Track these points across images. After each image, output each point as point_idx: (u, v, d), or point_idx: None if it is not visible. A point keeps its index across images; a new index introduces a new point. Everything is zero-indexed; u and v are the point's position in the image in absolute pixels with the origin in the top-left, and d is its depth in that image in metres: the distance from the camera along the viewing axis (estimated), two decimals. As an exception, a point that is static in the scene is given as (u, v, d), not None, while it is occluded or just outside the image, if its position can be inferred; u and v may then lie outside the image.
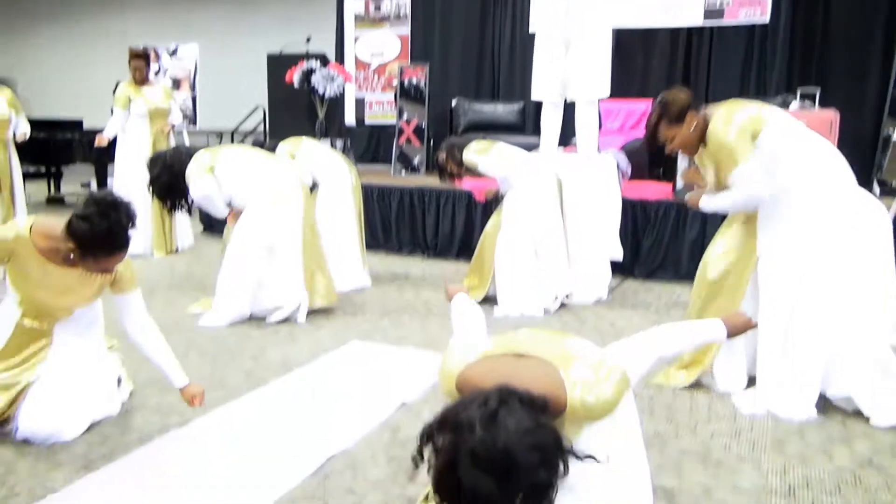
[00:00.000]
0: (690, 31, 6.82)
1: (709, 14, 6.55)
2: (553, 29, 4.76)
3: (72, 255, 2.17)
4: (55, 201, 9.01)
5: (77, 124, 9.19)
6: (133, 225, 2.19)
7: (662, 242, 5.00)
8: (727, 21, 6.51)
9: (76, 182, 9.59)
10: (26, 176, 8.86)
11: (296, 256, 3.78)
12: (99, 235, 2.11)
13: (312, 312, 3.91)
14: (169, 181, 3.77)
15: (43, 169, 8.91)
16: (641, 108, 6.68)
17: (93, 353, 2.52)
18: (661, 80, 7.01)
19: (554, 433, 1.47)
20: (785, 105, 5.43)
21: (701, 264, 2.99)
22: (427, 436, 1.49)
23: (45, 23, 11.59)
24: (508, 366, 1.62)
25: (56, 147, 8.33)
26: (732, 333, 2.03)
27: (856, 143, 5.57)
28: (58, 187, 9.21)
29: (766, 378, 2.67)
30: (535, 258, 4.06)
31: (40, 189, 9.31)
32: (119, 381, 2.68)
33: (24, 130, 4.90)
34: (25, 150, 7.96)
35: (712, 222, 4.84)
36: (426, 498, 1.84)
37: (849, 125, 5.36)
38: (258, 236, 3.70)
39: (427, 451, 1.49)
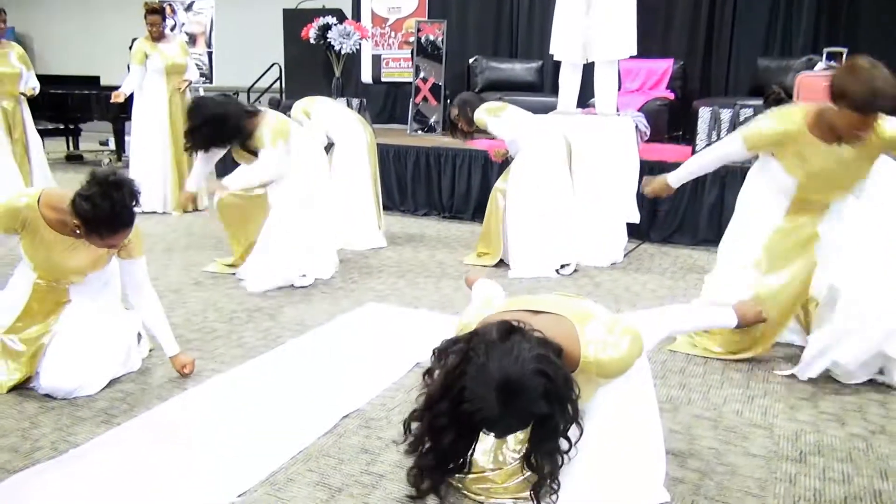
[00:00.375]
0: (716, -14, 6.63)
1: (736, -32, 6.34)
2: None
3: (78, 231, 2.20)
4: (74, 158, 9.07)
5: (94, 81, 9.18)
6: (137, 203, 2.22)
7: (680, 206, 4.95)
8: (754, -24, 6.31)
9: (94, 139, 9.63)
10: (44, 133, 8.93)
11: (324, 224, 3.82)
12: (102, 215, 2.14)
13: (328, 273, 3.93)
14: (211, 133, 3.51)
15: (61, 126, 8.95)
16: (662, 67, 6.55)
17: (109, 311, 2.56)
18: (682, 39, 6.88)
19: (564, 372, 1.49)
20: (810, 66, 5.30)
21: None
22: (441, 351, 1.51)
23: None
24: (525, 318, 1.62)
25: (73, 104, 8.34)
26: (743, 324, 2.05)
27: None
28: (76, 144, 9.26)
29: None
30: (543, 220, 4.03)
31: (59, 146, 9.36)
32: (139, 337, 2.73)
33: (33, 85, 4.92)
34: (43, 107, 8.02)
35: (731, 186, 4.78)
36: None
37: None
38: (296, 204, 3.65)
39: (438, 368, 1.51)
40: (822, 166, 2.50)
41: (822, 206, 2.62)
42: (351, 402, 2.38)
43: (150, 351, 2.76)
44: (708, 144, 5.02)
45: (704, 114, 5.06)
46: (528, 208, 4.06)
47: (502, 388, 1.41)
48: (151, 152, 5.51)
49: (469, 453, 1.66)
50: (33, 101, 5.21)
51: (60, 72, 10.51)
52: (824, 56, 5.17)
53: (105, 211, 2.13)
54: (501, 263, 4.18)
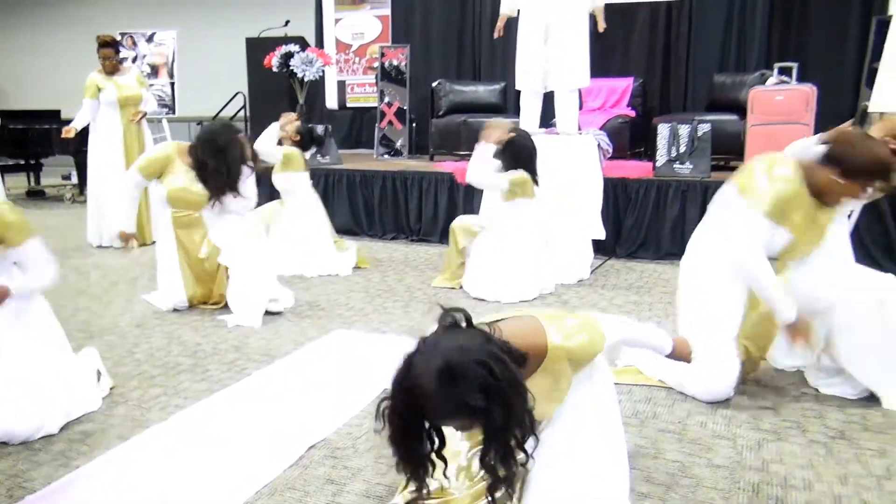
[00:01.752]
0: (670, 6, 6.80)
1: (688, -12, 6.51)
2: (534, 16, 4.74)
3: None
4: (35, 193, 8.93)
5: (55, 115, 9.07)
6: None
7: (644, 221, 5.03)
8: (707, -5, 6.48)
9: (56, 174, 9.50)
10: (5, 168, 8.80)
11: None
12: None
13: (296, 302, 3.91)
14: (216, 167, 3.60)
15: (22, 161, 8.81)
16: (622, 85, 6.68)
17: (59, 347, 2.50)
18: (641, 57, 7.04)
19: (514, 375, 1.50)
20: (763, 80, 5.45)
21: None
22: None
23: (20, 11, 11.39)
24: (494, 326, 1.64)
25: (34, 139, 8.23)
26: (673, 356, 2.12)
27: (835, 116, 5.57)
28: (38, 179, 9.12)
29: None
30: (509, 250, 4.01)
31: (21, 181, 9.22)
32: (99, 375, 2.68)
33: None
34: (3, 143, 7.91)
35: (692, 199, 4.88)
36: (406, 485, 1.87)
37: (828, 99, 5.39)
38: (262, 236, 3.87)
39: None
40: (804, 219, 2.46)
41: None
42: (317, 432, 2.36)
43: (111, 389, 2.71)
44: (668, 160, 5.12)
45: (663, 130, 5.15)
46: (492, 238, 4.06)
47: (442, 369, 1.44)
48: (109, 185, 5.45)
49: (427, 445, 1.62)
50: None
51: (23, 106, 10.39)
52: (776, 71, 5.32)
53: None
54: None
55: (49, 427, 2.35)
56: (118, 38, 6.00)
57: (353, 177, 5.95)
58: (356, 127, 8.50)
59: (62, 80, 10.32)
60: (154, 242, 5.56)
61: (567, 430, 1.76)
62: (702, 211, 4.87)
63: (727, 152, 5.36)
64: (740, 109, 5.47)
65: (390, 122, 7.22)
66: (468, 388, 1.43)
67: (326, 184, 6.01)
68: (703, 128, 5.06)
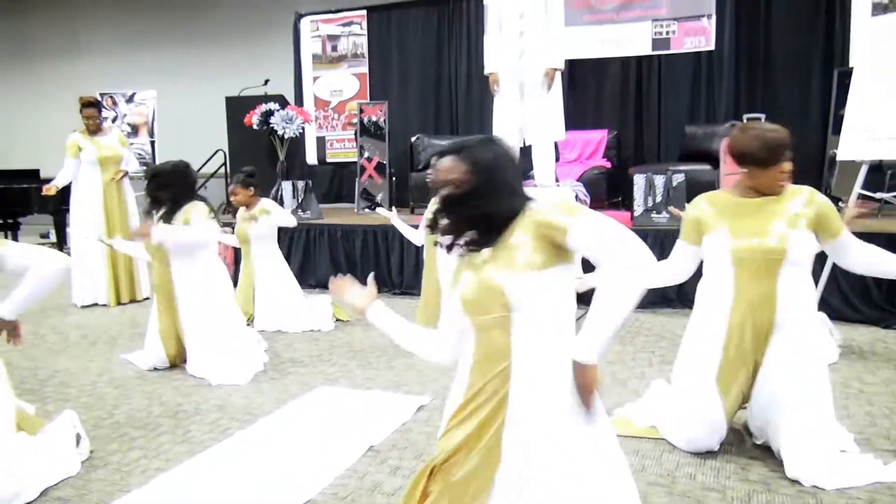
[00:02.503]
0: (640, 60, 7.03)
1: (656, 44, 6.74)
2: (509, 74, 4.89)
3: None
4: (12, 253, 8.82)
5: (34, 174, 9.04)
6: None
7: (623, 270, 5.07)
8: (674, 50, 6.71)
9: (35, 233, 9.41)
10: (-18, 228, 8.70)
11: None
12: None
13: (277, 359, 3.89)
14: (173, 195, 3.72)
15: (0, 220, 8.73)
16: (597, 137, 6.84)
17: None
18: (614, 109, 7.23)
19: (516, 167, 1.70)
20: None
21: None
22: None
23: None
24: None
25: (12, 197, 8.19)
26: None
27: (804, 164, 5.74)
28: (16, 237, 9.03)
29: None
30: None
31: (-4, 241, 9.10)
32: (78, 438, 2.62)
33: None
34: (-20, 202, 7.84)
35: (670, 248, 4.93)
36: None
37: (797, 148, 5.53)
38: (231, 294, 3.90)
39: None
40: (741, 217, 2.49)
41: (759, 299, 2.47)
42: (302, 493, 2.32)
43: (91, 452, 2.65)
44: (645, 209, 5.22)
45: (639, 180, 5.26)
46: None
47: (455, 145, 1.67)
48: (90, 244, 5.42)
49: None
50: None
51: (1, 166, 10.35)
52: (744, 121, 5.48)
53: None
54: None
55: (26, 494, 2.28)
56: (98, 98, 6.05)
57: (335, 231, 5.97)
58: (336, 182, 8.57)
59: (41, 139, 10.35)
60: (143, 299, 5.55)
61: (575, 477, 1.67)
62: (680, 259, 4.97)
63: (702, 201, 5.47)
64: (713, 159, 5.62)
65: (370, 177, 7.29)
66: (480, 145, 1.64)
67: (307, 238, 6.03)
68: (678, 178, 5.18)
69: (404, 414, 3.01)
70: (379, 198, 7.23)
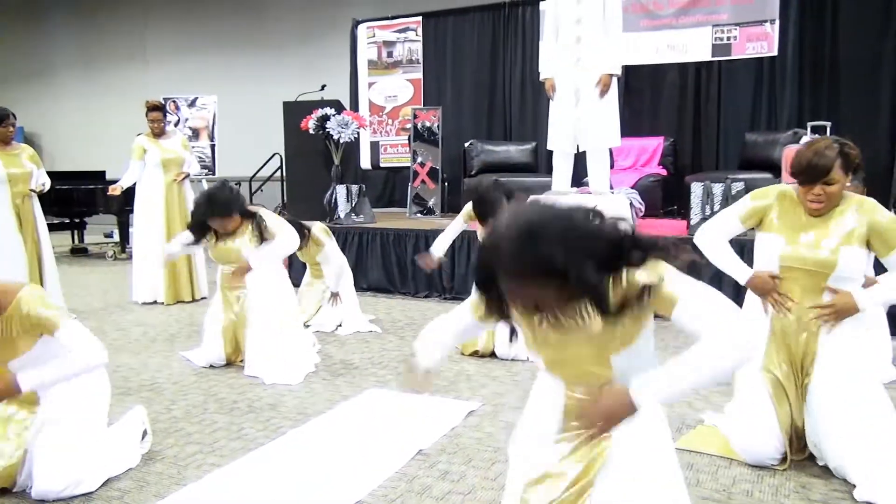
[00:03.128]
0: (699, 67, 6.89)
1: (716, 49, 6.60)
2: (565, 80, 4.86)
3: None
4: (79, 251, 9.19)
5: (99, 175, 9.42)
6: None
7: (679, 279, 4.97)
8: (735, 55, 6.56)
9: (99, 232, 9.79)
10: (51, 227, 9.07)
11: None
12: None
13: (330, 360, 3.94)
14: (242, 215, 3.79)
15: (67, 220, 9.11)
16: (653, 144, 6.73)
17: (96, 405, 2.51)
18: (671, 117, 7.11)
19: (592, 227, 1.40)
20: (796, 139, 5.45)
21: None
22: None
23: (67, 77, 11.96)
24: None
25: (78, 198, 8.53)
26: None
27: (870, 173, 5.54)
28: (81, 237, 9.40)
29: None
30: None
31: (65, 239, 9.50)
32: (144, 433, 2.68)
33: (43, 181, 5.04)
34: (50, 202, 8.18)
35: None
36: None
37: (862, 156, 5.34)
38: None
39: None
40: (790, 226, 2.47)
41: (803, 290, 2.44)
42: (352, 494, 2.34)
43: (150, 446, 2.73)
44: (703, 219, 5.10)
45: (696, 189, 5.15)
46: None
47: (522, 232, 1.35)
48: (150, 243, 5.60)
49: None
50: (41, 197, 5.34)
51: (68, 167, 10.80)
52: (809, 129, 5.32)
53: None
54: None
55: (89, 483, 2.35)
56: (163, 102, 6.25)
57: (387, 235, 6.02)
58: (389, 186, 8.65)
59: (107, 142, 10.75)
60: (200, 299, 5.70)
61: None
62: (738, 269, 4.84)
63: (762, 210, 5.32)
64: (774, 167, 5.47)
65: (423, 182, 7.34)
66: (547, 244, 1.33)
67: (360, 242, 6.09)
68: (737, 186, 5.05)
69: (454, 418, 3.01)
70: (431, 202, 7.28)
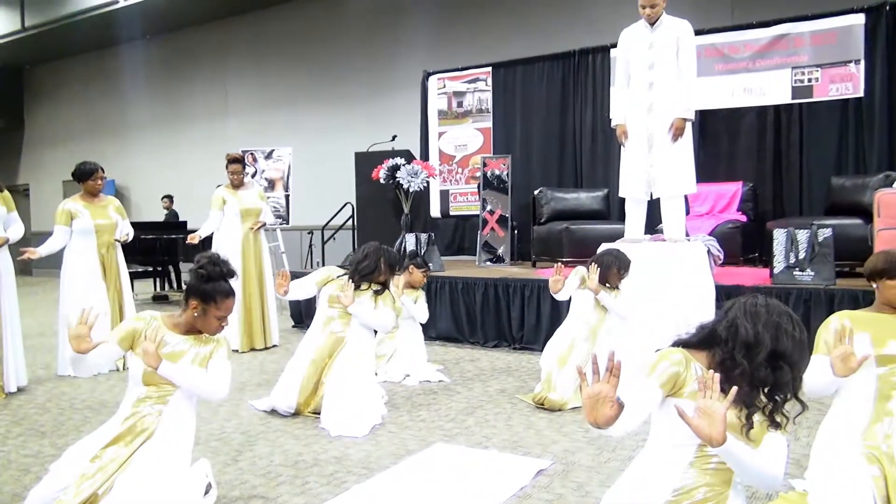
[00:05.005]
0: (778, 109, 6.65)
1: (797, 92, 6.37)
2: (637, 126, 4.76)
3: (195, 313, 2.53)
4: (160, 298, 9.54)
5: (181, 226, 9.82)
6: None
7: (763, 332, 4.69)
8: (817, 98, 6.30)
9: (181, 280, 10.14)
10: (136, 275, 9.49)
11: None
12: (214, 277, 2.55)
13: (396, 412, 3.87)
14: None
15: (150, 269, 9.51)
16: (731, 190, 6.50)
17: (181, 458, 2.54)
18: (750, 161, 6.88)
19: (790, 338, 1.78)
20: (888, 182, 5.15)
21: None
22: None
23: (155, 132, 12.63)
24: None
25: (161, 248, 8.90)
26: None
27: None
28: (163, 285, 9.78)
29: None
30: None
31: (148, 287, 9.90)
32: (208, 487, 2.67)
33: (126, 231, 5.25)
34: (135, 251, 8.56)
35: (816, 309, 4.55)
36: None
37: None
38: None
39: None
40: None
41: None
42: (416, 557, 2.23)
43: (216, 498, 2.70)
44: (787, 266, 4.86)
45: (780, 235, 4.91)
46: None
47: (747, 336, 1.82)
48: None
49: None
50: (126, 247, 5.57)
51: (155, 218, 11.33)
52: (902, 172, 5.01)
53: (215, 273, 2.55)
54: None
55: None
56: (242, 155, 6.47)
57: (456, 284, 5.98)
58: (459, 234, 8.65)
59: (189, 194, 11.24)
60: (272, 346, 5.78)
61: None
62: (828, 322, 4.54)
63: (852, 258, 5.01)
64: (863, 213, 5.16)
65: (492, 230, 7.30)
66: (759, 342, 1.78)
67: (429, 291, 6.05)
68: (824, 232, 4.78)
69: (522, 478, 2.87)
70: (501, 251, 7.22)
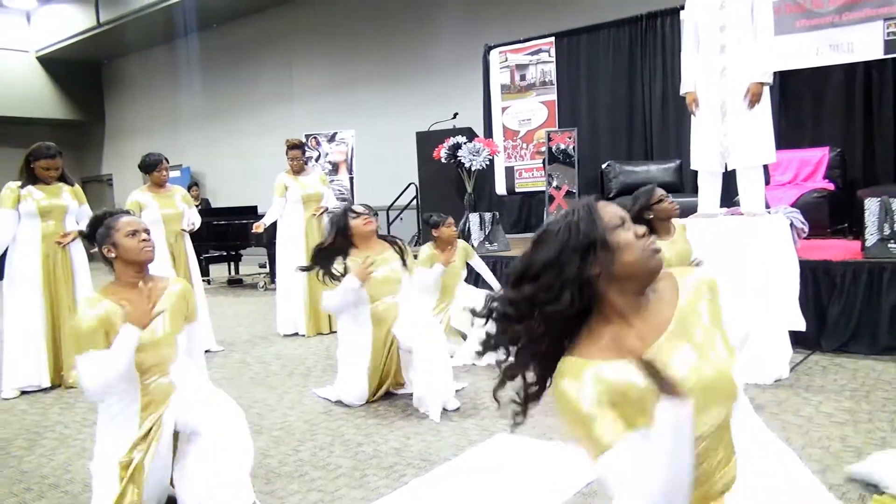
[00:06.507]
0: (869, 67, 6.12)
1: (890, 46, 5.83)
2: (709, 92, 4.43)
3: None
4: (234, 282, 9.78)
5: (252, 210, 10.00)
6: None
7: (853, 310, 4.36)
8: (915, 52, 5.76)
9: (254, 263, 10.37)
10: (210, 259, 9.75)
11: None
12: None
13: (460, 398, 3.78)
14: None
15: (224, 253, 9.75)
16: (816, 156, 6.05)
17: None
18: (837, 125, 6.38)
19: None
20: None
21: None
22: None
23: (227, 119, 12.90)
24: None
25: (234, 232, 9.09)
26: None
27: None
28: (237, 269, 10.02)
29: None
30: None
31: (222, 271, 10.16)
32: None
33: (193, 221, 5.33)
34: (208, 237, 8.79)
35: (915, 285, 4.17)
36: None
37: None
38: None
39: None
40: None
41: None
42: (474, 559, 2.14)
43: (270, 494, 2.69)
44: (880, 239, 4.48)
45: (872, 205, 4.52)
46: None
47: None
48: (292, 276, 5.76)
49: None
50: (198, 234, 5.68)
51: (228, 203, 11.61)
52: None
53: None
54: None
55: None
56: (304, 140, 6.48)
57: (521, 264, 5.82)
58: (525, 212, 8.46)
59: (259, 178, 11.43)
60: (332, 332, 5.79)
61: None
62: (928, 298, 4.17)
63: (955, 227, 4.57)
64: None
65: (559, 206, 7.08)
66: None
67: (494, 270, 5.92)
68: (923, 201, 4.38)
69: (589, 473, 2.73)
70: (568, 228, 7.00)
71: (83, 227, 4.64)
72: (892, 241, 4.43)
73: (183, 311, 2.54)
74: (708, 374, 1.30)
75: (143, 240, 2.44)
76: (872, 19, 5.86)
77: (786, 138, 5.58)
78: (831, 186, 5.81)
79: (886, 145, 6.11)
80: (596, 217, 1.34)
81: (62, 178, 4.56)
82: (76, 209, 4.61)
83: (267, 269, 9.36)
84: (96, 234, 2.48)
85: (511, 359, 1.41)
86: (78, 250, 4.59)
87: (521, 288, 1.36)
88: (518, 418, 1.43)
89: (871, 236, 4.51)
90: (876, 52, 5.89)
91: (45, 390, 4.37)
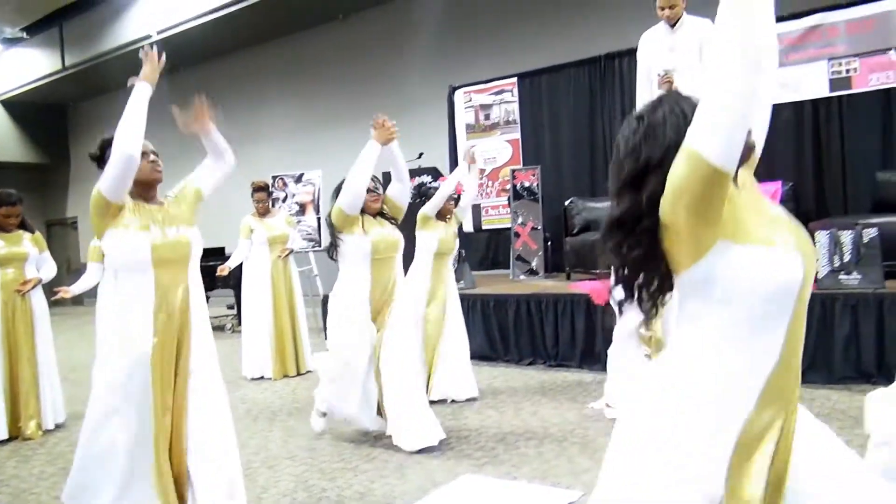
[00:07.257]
0: (816, 103, 6.37)
1: (835, 84, 6.09)
2: None
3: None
4: (201, 324, 9.64)
5: (220, 251, 9.94)
6: None
7: (808, 341, 4.45)
8: (857, 89, 6.02)
9: (222, 305, 10.25)
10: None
11: None
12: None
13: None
14: None
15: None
16: (770, 190, 6.22)
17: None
18: (788, 159, 6.59)
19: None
20: (939, 176, 4.86)
21: None
22: None
23: (195, 160, 12.85)
24: None
25: (201, 274, 9.00)
26: None
27: None
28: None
29: None
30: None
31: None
32: None
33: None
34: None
35: (865, 314, 4.31)
36: None
37: None
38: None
39: None
40: None
41: None
42: None
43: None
44: (831, 270, 4.63)
45: (822, 237, 4.68)
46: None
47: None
48: (258, 318, 5.75)
49: None
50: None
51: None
52: (952, 165, 4.73)
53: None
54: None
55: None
56: (271, 181, 6.52)
57: (488, 301, 5.88)
58: (492, 248, 8.54)
59: (226, 219, 11.38)
60: (306, 373, 5.75)
61: None
62: (878, 327, 4.30)
63: (902, 258, 4.74)
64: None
65: (525, 243, 7.18)
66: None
67: (462, 309, 5.96)
68: (870, 233, 4.54)
69: (551, 512, 2.76)
70: (534, 263, 7.09)
71: (43, 275, 4.61)
72: (842, 272, 4.58)
73: (192, 207, 2.80)
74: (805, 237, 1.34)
75: (152, 161, 2.59)
76: (817, 59, 6.13)
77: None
78: (785, 219, 5.99)
79: (835, 179, 6.34)
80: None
81: (22, 226, 4.52)
82: (36, 256, 4.56)
83: (235, 311, 9.27)
84: (106, 156, 2.51)
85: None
86: (38, 299, 4.53)
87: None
88: (651, 313, 1.39)
89: (823, 268, 4.65)
90: (822, 90, 6.15)
91: (1, 442, 4.27)
